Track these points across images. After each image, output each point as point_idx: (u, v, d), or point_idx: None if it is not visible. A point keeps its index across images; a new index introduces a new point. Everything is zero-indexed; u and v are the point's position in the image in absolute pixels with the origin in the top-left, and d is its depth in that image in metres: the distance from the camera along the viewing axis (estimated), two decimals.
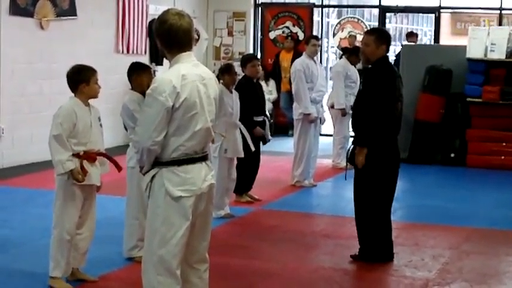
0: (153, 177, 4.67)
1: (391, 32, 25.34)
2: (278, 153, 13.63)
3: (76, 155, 6.16)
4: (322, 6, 17.99)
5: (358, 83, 11.29)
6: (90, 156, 6.24)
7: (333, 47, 19.88)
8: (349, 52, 13.08)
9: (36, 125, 12.23)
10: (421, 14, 25.60)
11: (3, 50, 11.77)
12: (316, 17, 18.08)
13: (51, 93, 12.74)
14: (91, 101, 6.41)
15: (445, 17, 17.52)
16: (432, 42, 18.12)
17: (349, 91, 12.19)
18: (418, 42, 18.82)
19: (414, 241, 8.24)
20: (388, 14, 18.41)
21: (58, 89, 12.93)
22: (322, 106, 11.51)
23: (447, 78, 13.30)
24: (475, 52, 13.29)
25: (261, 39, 17.84)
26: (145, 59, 14.85)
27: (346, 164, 7.77)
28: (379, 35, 7.39)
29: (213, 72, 15.60)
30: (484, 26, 16.45)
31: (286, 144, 14.38)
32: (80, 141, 6.19)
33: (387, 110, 7.12)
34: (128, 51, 14.44)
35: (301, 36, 17.19)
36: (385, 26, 17.80)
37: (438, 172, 12.84)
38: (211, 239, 7.92)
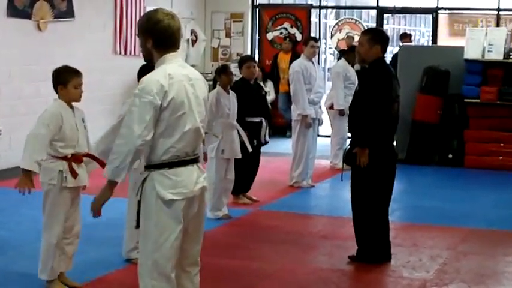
0: (144, 180, 4.62)
1: (389, 33, 25.39)
2: (276, 154, 13.62)
3: (64, 157, 6.15)
4: (320, 7, 17.99)
5: (357, 84, 11.28)
6: (77, 158, 6.23)
7: (330, 48, 19.91)
8: (347, 52, 13.11)
9: (33, 127, 12.21)
10: (418, 15, 25.61)
11: (1, 52, 11.76)
12: (314, 18, 18.07)
13: (48, 95, 12.60)
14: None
15: (443, 18, 17.47)
16: (430, 43, 18.11)
17: (348, 92, 12.18)
18: (415, 43, 18.86)
19: (412, 242, 8.24)
20: (385, 15, 18.40)
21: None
22: (320, 107, 11.51)
23: (445, 78, 13.30)
24: (472, 53, 13.29)
25: (258, 40, 17.83)
26: (142, 61, 14.78)
27: (342, 165, 7.77)
28: (373, 35, 7.40)
29: (211, 73, 15.63)
30: (482, 26, 16.44)
31: (284, 145, 14.38)
32: (67, 144, 6.18)
33: (384, 111, 7.11)
34: (125, 53, 14.43)
35: (299, 37, 17.18)
36: (382, 27, 17.77)
37: (436, 173, 12.84)
38: (209, 240, 7.91)
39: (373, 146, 7.14)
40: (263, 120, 9.95)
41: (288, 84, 16.07)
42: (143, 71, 6.59)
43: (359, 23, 18.71)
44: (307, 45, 11.38)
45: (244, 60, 9.92)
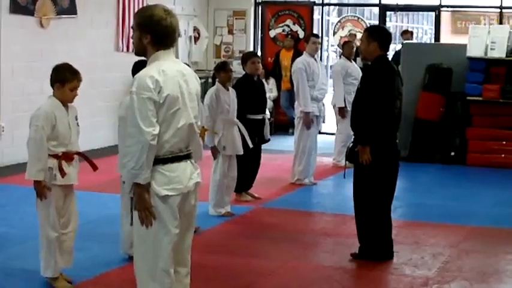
0: None
1: (391, 31, 25.38)
2: (278, 152, 13.62)
3: (55, 155, 6.16)
4: (323, 4, 17.97)
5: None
6: (68, 157, 6.24)
7: (333, 45, 19.87)
8: (343, 48, 13.14)
9: None
10: (421, 13, 25.60)
11: (3, 48, 11.77)
12: (317, 16, 18.06)
13: (50, 91, 12.70)
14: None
15: (446, 16, 17.48)
16: (432, 41, 18.09)
17: (352, 88, 12.16)
18: (417, 41, 18.85)
19: (414, 239, 8.24)
20: (388, 13, 18.39)
21: None
22: (323, 104, 11.51)
23: (447, 76, 13.30)
24: (475, 51, 13.28)
25: (261, 37, 17.82)
26: (145, 58, 14.78)
27: (345, 163, 7.77)
28: (370, 32, 7.44)
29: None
30: (485, 24, 16.44)
31: (286, 143, 14.37)
32: (60, 142, 6.21)
33: (386, 108, 7.11)
34: (127, 50, 14.42)
35: (301, 34, 17.16)
36: (385, 25, 17.78)
37: (438, 171, 12.84)
38: (211, 237, 7.94)
39: (375, 144, 7.14)
40: (265, 117, 9.96)
41: (291, 82, 16.09)
42: (137, 68, 6.59)
43: (361, 20, 18.71)
44: (309, 41, 11.39)
45: (249, 56, 9.91)
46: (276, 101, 16.70)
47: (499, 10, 16.42)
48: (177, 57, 12.24)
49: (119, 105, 7.06)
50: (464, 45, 13.44)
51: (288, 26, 17.45)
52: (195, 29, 16.89)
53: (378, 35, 7.35)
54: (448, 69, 13.26)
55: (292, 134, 16.29)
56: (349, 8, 21.39)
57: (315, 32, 17.38)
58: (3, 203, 9.45)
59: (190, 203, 4.75)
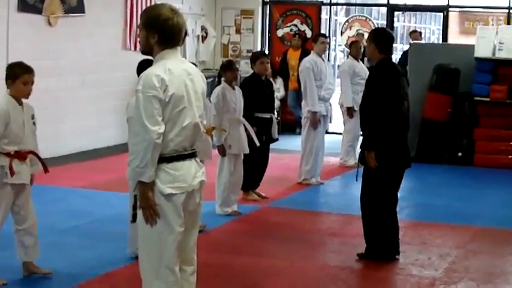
0: None
1: (399, 31, 25.35)
2: (285, 151, 13.60)
3: (7, 154, 6.17)
4: (331, 4, 17.95)
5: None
6: (20, 156, 6.25)
7: (340, 45, 19.85)
8: (350, 47, 13.14)
9: (42, 121, 12.13)
10: (429, 13, 25.57)
11: (11, 46, 11.78)
12: (324, 15, 18.04)
13: (58, 90, 12.75)
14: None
15: (453, 16, 17.44)
16: (440, 41, 18.06)
17: (360, 88, 12.15)
18: (425, 41, 18.81)
19: (421, 240, 8.23)
20: (396, 13, 18.35)
21: (65, 86, 12.97)
22: (330, 104, 11.51)
23: (455, 77, 13.27)
24: (483, 51, 13.25)
25: (268, 37, 17.81)
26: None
27: (358, 165, 7.76)
28: (370, 34, 7.55)
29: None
30: (493, 25, 16.41)
31: (293, 142, 14.36)
32: (12, 140, 6.21)
33: (393, 110, 7.11)
34: (135, 49, 14.41)
35: (309, 34, 17.15)
36: (393, 25, 17.75)
37: (445, 171, 12.81)
38: (217, 237, 7.93)
39: (383, 147, 7.14)
40: (273, 116, 9.95)
41: (298, 81, 16.06)
42: (142, 67, 6.57)
43: (369, 20, 18.67)
44: (317, 41, 11.39)
45: (258, 56, 9.92)
46: (283, 100, 16.69)
47: (507, 10, 16.37)
48: (184, 56, 12.30)
49: (127, 106, 7.05)
50: (472, 46, 13.42)
51: (296, 25, 17.43)
52: (203, 28, 16.89)
53: (376, 37, 7.38)
54: (456, 70, 13.24)
55: (299, 133, 16.30)
56: (357, 7, 21.40)
57: (322, 31, 17.37)
58: None
59: (194, 201, 4.74)
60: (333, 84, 11.63)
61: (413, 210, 9.76)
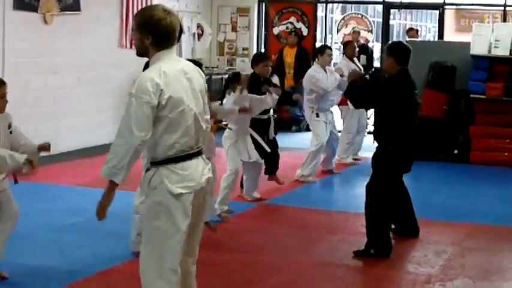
0: (151, 176, 4.63)
1: (395, 29, 25.38)
2: (281, 149, 13.55)
3: None
4: (326, 2, 17.98)
5: None
6: None
7: (336, 43, 19.87)
8: (345, 47, 13.12)
9: (40, 119, 12.24)
10: (425, 11, 25.61)
11: (8, 44, 11.78)
12: (320, 13, 18.06)
13: (55, 87, 12.76)
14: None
15: (449, 14, 17.45)
16: (436, 39, 18.09)
17: None
18: (421, 39, 18.82)
19: (417, 237, 8.24)
20: (392, 10, 18.38)
21: (62, 83, 12.97)
22: (331, 112, 11.61)
23: (451, 74, 13.28)
24: (479, 48, 13.26)
25: (264, 34, 17.83)
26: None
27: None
28: (387, 48, 7.73)
29: (217, 67, 15.63)
30: (489, 22, 16.43)
31: (289, 140, 14.38)
32: None
33: (408, 120, 7.47)
34: (131, 46, 14.41)
35: (305, 31, 17.19)
36: (388, 22, 17.78)
37: (441, 168, 12.83)
38: (215, 234, 7.92)
39: (396, 151, 7.42)
40: (271, 117, 10.01)
41: (294, 79, 16.11)
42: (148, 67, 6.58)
43: (365, 18, 18.70)
44: (324, 53, 11.36)
45: (262, 59, 10.05)
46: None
47: (502, 8, 16.41)
48: (180, 54, 12.26)
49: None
50: (468, 43, 13.43)
51: (292, 23, 17.45)
52: (199, 26, 16.90)
53: (395, 51, 7.56)
54: (452, 67, 13.25)
55: (296, 131, 16.38)
56: (353, 5, 21.42)
57: (318, 29, 17.45)
58: None
59: (201, 198, 4.76)
60: (335, 96, 11.67)
61: None
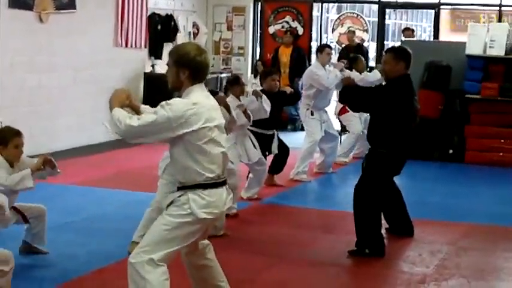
0: (179, 197, 4.95)
1: (390, 28, 25.41)
2: None
3: None
4: (322, 1, 17.97)
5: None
6: None
7: (331, 42, 19.87)
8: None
9: (35, 118, 12.23)
10: (420, 10, 25.61)
11: (2, 42, 11.76)
12: (316, 12, 18.07)
13: (50, 86, 12.74)
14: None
15: (445, 13, 17.48)
16: (431, 39, 18.11)
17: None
18: (416, 38, 18.81)
19: (412, 237, 8.25)
20: (387, 10, 18.39)
21: (57, 82, 12.96)
22: (326, 112, 11.59)
23: (446, 74, 13.29)
24: (474, 48, 13.27)
25: (260, 34, 17.84)
26: (144, 53, 14.86)
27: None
28: (397, 53, 7.72)
29: (212, 66, 15.60)
30: (484, 22, 16.45)
31: (284, 139, 14.32)
32: None
33: (407, 123, 7.60)
34: (126, 45, 14.43)
35: (300, 31, 17.20)
36: (384, 22, 17.80)
37: (436, 168, 12.85)
38: (210, 233, 7.92)
39: (390, 153, 7.44)
40: (275, 132, 10.07)
41: (289, 78, 16.10)
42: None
43: (361, 17, 18.70)
44: (323, 52, 11.37)
45: (270, 73, 10.14)
46: None
47: (498, 8, 16.43)
48: None
49: None
50: (463, 43, 13.44)
51: (287, 22, 17.46)
52: (194, 25, 16.88)
53: (405, 56, 7.65)
54: (447, 67, 13.26)
55: (292, 130, 16.37)
56: (349, 5, 21.38)
57: (313, 29, 17.45)
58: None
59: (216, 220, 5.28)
60: (331, 95, 11.72)
61: None
